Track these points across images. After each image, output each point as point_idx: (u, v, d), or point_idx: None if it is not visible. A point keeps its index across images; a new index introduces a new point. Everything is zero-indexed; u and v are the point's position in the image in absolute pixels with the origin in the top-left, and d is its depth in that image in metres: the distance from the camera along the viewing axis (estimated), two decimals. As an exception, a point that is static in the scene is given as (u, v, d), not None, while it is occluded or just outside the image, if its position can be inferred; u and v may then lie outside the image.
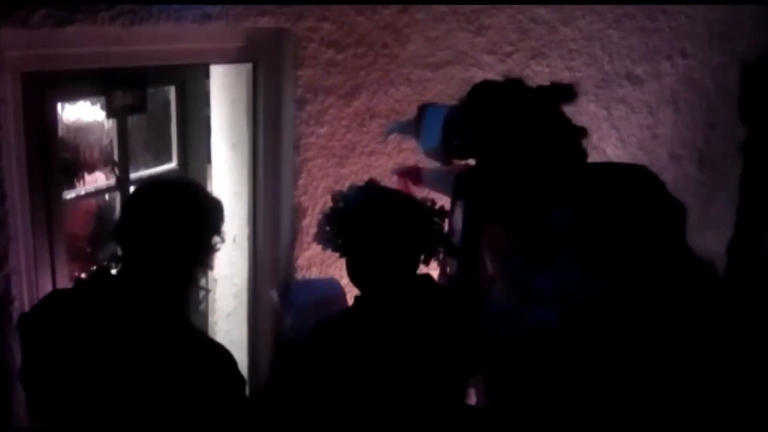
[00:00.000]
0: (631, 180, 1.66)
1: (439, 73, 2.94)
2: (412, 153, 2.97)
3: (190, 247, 1.70)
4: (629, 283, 1.53)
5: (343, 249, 1.87)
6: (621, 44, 3.43)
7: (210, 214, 1.75)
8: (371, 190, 1.93)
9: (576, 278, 1.55)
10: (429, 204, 1.89)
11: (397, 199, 1.87)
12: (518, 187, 1.78)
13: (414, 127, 2.31)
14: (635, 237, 1.55)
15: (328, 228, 1.88)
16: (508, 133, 1.76)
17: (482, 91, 1.91)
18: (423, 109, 2.31)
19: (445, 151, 2.06)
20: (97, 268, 1.78)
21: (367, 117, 2.84)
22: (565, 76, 3.28)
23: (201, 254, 1.74)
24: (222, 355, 1.74)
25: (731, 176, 3.95)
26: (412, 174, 2.65)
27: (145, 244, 1.67)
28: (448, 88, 2.93)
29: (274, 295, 2.61)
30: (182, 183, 1.85)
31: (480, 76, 3.01)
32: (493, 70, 3.05)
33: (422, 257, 1.87)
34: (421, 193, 2.57)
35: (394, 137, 2.78)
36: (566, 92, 1.82)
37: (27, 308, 2.15)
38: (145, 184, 1.88)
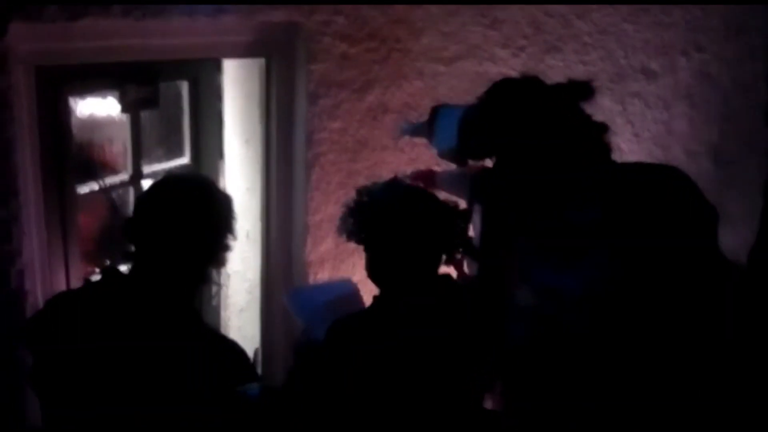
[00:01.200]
0: (664, 181, 1.64)
1: (452, 67, 2.92)
2: (425, 148, 2.95)
3: (203, 244, 1.69)
4: (658, 285, 1.51)
5: (365, 242, 1.85)
6: (636, 38, 3.40)
7: (223, 211, 1.74)
8: (397, 186, 1.91)
9: (603, 278, 1.52)
10: (453, 205, 1.87)
11: (423, 197, 1.85)
12: (540, 186, 1.75)
13: (427, 128, 2.28)
14: (667, 239, 1.53)
15: (351, 220, 1.87)
16: (528, 132, 1.74)
17: (500, 89, 1.88)
18: (436, 110, 2.27)
19: (462, 152, 2.03)
20: (105, 268, 1.76)
21: (380, 112, 2.83)
22: (579, 70, 3.25)
23: (214, 252, 1.73)
24: (235, 352, 1.73)
25: (747, 172, 3.92)
26: (426, 178, 2.58)
27: (157, 242, 1.66)
28: (461, 83, 2.91)
29: (285, 300, 2.63)
30: (195, 180, 1.84)
31: (493, 70, 2.99)
32: (506, 65, 3.02)
33: (443, 257, 1.86)
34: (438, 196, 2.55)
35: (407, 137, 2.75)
36: (584, 89, 1.80)
37: (41, 303, 2.15)
38: (158, 181, 1.87)
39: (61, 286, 2.34)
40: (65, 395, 1.68)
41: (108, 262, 1.78)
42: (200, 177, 2.04)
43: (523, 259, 1.78)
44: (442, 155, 2.28)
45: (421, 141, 2.86)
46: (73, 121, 2.44)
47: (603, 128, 1.77)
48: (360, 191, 1.90)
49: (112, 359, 1.62)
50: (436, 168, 2.64)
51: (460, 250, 1.87)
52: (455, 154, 2.09)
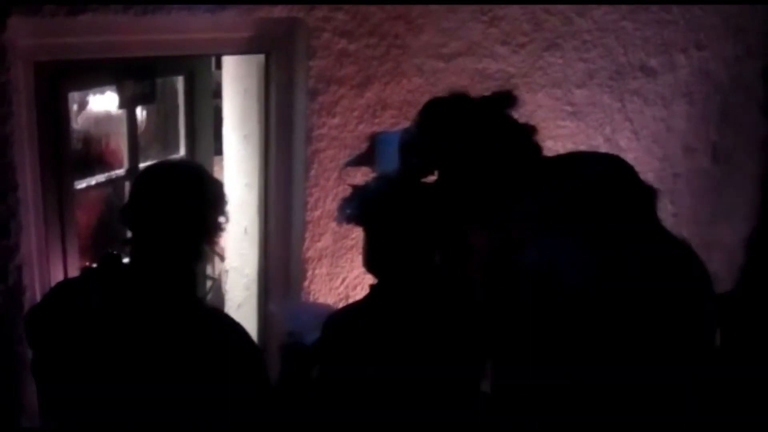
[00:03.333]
0: (600, 165, 1.81)
1: (451, 64, 2.92)
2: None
3: (198, 223, 1.72)
4: (607, 255, 1.63)
5: (363, 228, 1.89)
6: (635, 36, 3.40)
7: (214, 193, 1.77)
8: (395, 177, 1.95)
9: (557, 255, 1.66)
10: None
11: (418, 188, 1.90)
12: (486, 186, 1.89)
13: (368, 156, 2.38)
14: (607, 213, 1.68)
15: (349, 210, 1.90)
16: (462, 143, 1.89)
17: (432, 108, 2.01)
18: (374, 138, 2.39)
19: (405, 172, 2.13)
20: (103, 254, 1.78)
21: (379, 108, 2.83)
22: (579, 68, 3.26)
23: (208, 231, 1.75)
24: (235, 328, 1.75)
25: (745, 169, 3.93)
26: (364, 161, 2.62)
27: (152, 224, 1.69)
28: (460, 80, 2.91)
29: (273, 308, 2.68)
30: (186, 164, 1.89)
31: (493, 67, 2.99)
32: (506, 62, 3.02)
33: (438, 247, 1.89)
34: None
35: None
36: (507, 99, 1.94)
37: (38, 298, 2.15)
38: (150, 166, 1.93)
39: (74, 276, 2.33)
40: (69, 383, 1.68)
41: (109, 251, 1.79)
42: (190, 162, 2.08)
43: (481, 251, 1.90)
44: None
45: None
46: (72, 117, 2.44)
47: (531, 130, 1.92)
48: (353, 185, 1.95)
49: (114, 344, 1.62)
50: None
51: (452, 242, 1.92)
52: (399, 176, 2.18)
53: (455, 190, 1.94)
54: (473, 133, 1.88)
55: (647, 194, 1.77)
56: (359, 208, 1.89)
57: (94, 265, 1.80)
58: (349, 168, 2.66)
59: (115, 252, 1.78)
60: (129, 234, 1.76)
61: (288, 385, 1.94)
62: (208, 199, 1.76)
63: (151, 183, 1.76)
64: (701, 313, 1.74)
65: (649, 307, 1.64)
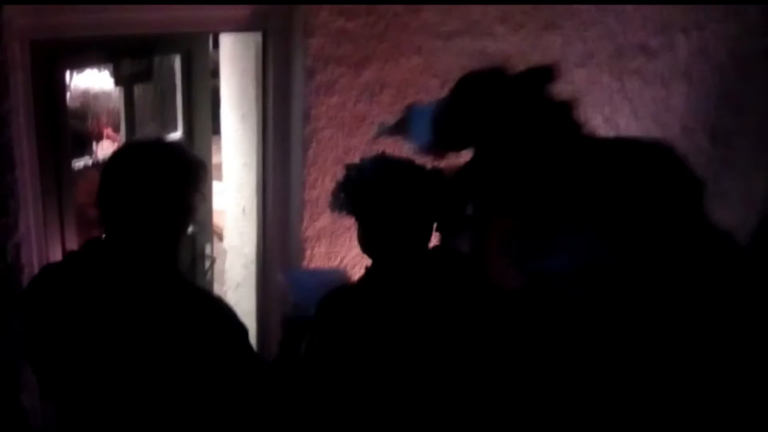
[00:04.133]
0: (647, 154, 1.69)
1: (450, 43, 2.90)
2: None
3: (173, 202, 1.70)
4: (646, 257, 1.54)
5: (356, 215, 1.87)
6: (635, 15, 3.38)
7: (189, 169, 1.74)
8: (385, 159, 1.93)
9: (593, 259, 1.57)
10: (443, 177, 1.88)
11: (411, 169, 1.87)
12: (521, 163, 1.81)
13: (402, 127, 2.31)
14: (651, 211, 1.57)
15: (342, 195, 1.88)
16: (499, 119, 1.83)
17: (468, 81, 1.96)
18: (409, 110, 2.33)
19: (439, 146, 2.09)
20: (88, 239, 1.78)
21: (378, 87, 2.81)
22: (578, 48, 3.24)
23: (186, 209, 1.73)
24: (219, 306, 1.74)
25: (743, 150, 3.91)
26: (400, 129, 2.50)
27: (125, 204, 1.67)
28: (459, 59, 2.89)
29: (281, 277, 2.64)
30: (158, 143, 1.85)
31: (492, 46, 2.97)
32: (505, 41, 3.00)
33: (435, 227, 1.87)
34: None
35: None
36: (546, 74, 1.87)
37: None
38: (119, 147, 1.88)
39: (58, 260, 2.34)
40: (59, 368, 1.69)
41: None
42: (163, 140, 2.04)
43: (511, 247, 1.83)
44: (421, 151, 2.33)
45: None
46: (69, 96, 2.43)
47: (570, 106, 1.84)
48: (348, 167, 1.92)
49: (98, 327, 1.63)
50: None
51: (451, 221, 1.90)
52: (433, 149, 2.13)
53: (489, 168, 1.87)
54: (511, 108, 1.82)
55: (697, 189, 1.67)
56: (353, 189, 1.87)
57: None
58: (382, 137, 2.51)
59: (98, 236, 1.77)
60: (108, 215, 1.73)
61: (286, 359, 1.94)
62: (183, 177, 1.73)
63: (121, 165, 1.72)
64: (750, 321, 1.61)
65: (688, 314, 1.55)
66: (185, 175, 1.72)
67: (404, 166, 1.89)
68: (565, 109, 1.85)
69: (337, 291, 1.87)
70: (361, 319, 1.79)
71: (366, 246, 1.89)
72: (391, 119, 2.57)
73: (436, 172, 1.90)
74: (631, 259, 1.57)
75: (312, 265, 2.87)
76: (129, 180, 1.68)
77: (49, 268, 1.85)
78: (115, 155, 1.77)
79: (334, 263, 2.93)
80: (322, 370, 1.83)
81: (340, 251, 2.92)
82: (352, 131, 2.81)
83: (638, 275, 1.56)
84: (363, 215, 1.87)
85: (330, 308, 1.84)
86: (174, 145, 1.94)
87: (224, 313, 1.73)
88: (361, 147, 2.82)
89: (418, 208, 1.83)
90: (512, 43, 3.03)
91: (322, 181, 2.79)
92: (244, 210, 2.97)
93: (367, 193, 1.84)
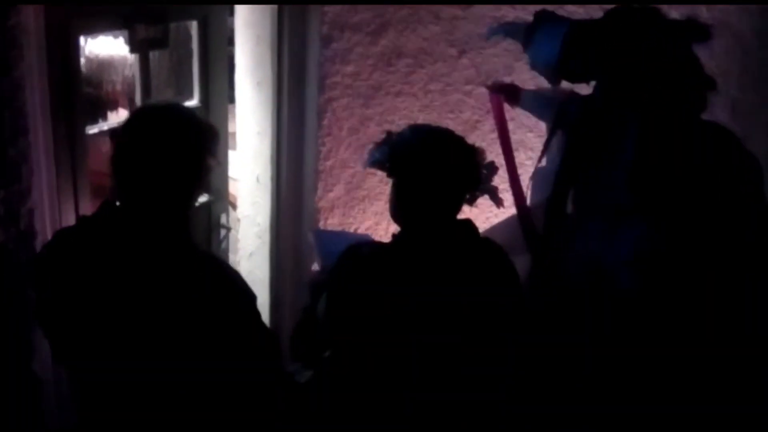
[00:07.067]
0: (711, 137, 1.64)
1: (469, 11, 2.86)
2: (439, 95, 2.91)
3: (186, 166, 1.70)
4: (709, 238, 1.54)
5: (390, 173, 1.85)
6: (657, -14, 3.32)
7: (201, 134, 1.74)
8: (426, 126, 1.91)
9: (650, 245, 1.56)
10: (479, 152, 1.86)
11: (450, 138, 1.85)
12: (623, 126, 1.71)
13: (525, 34, 2.11)
14: (716, 193, 1.56)
15: (378, 155, 1.86)
16: (635, 63, 1.69)
17: (617, 13, 1.84)
18: (540, 18, 2.12)
19: (560, 70, 1.94)
20: (102, 203, 1.77)
21: (394, 56, 2.78)
22: (600, 15, 3.18)
23: (197, 174, 1.73)
24: (228, 272, 1.75)
25: (764, 124, 3.86)
26: (509, 92, 2.39)
27: (139, 169, 1.67)
28: (478, 27, 2.85)
29: (310, 237, 2.61)
30: (171, 107, 1.84)
31: (512, 14, 2.92)
32: (525, 9, 2.95)
33: (465, 200, 1.86)
34: (512, 113, 2.41)
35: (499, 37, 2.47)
36: (701, 31, 1.75)
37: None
38: (133, 113, 1.87)
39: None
40: (72, 333, 1.69)
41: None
42: (175, 104, 2.03)
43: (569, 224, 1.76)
44: (535, 67, 2.15)
45: (435, 88, 2.81)
46: (83, 61, 2.41)
47: (711, 84, 1.72)
48: (389, 132, 1.89)
49: (110, 288, 1.63)
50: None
51: (481, 194, 1.87)
52: (551, 71, 2.00)
53: (597, 117, 1.75)
54: (649, 58, 1.70)
55: (757, 170, 1.63)
56: (390, 154, 1.84)
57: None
58: (498, 35, 2.34)
59: (112, 200, 1.76)
60: (122, 180, 1.73)
61: (309, 322, 1.93)
62: (197, 140, 1.72)
63: (135, 128, 1.72)
64: None
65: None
66: (199, 138, 1.72)
67: (447, 135, 1.86)
68: (704, 83, 1.73)
69: (359, 247, 1.85)
70: (386, 280, 1.77)
71: (398, 211, 1.86)
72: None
73: (473, 146, 1.87)
74: (694, 245, 1.56)
75: (326, 235, 2.86)
76: (143, 143, 1.68)
77: (62, 233, 1.85)
78: (130, 119, 1.77)
79: (347, 234, 2.91)
80: (343, 339, 1.82)
81: (354, 222, 2.91)
82: (368, 101, 2.78)
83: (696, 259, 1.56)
84: (402, 179, 1.84)
85: (346, 262, 1.83)
86: (187, 109, 1.94)
87: (233, 278, 1.73)
88: (376, 117, 2.79)
89: (457, 177, 1.81)
90: (532, 12, 2.96)
91: (336, 152, 2.77)
92: (257, 179, 2.96)
93: (411, 156, 1.82)
